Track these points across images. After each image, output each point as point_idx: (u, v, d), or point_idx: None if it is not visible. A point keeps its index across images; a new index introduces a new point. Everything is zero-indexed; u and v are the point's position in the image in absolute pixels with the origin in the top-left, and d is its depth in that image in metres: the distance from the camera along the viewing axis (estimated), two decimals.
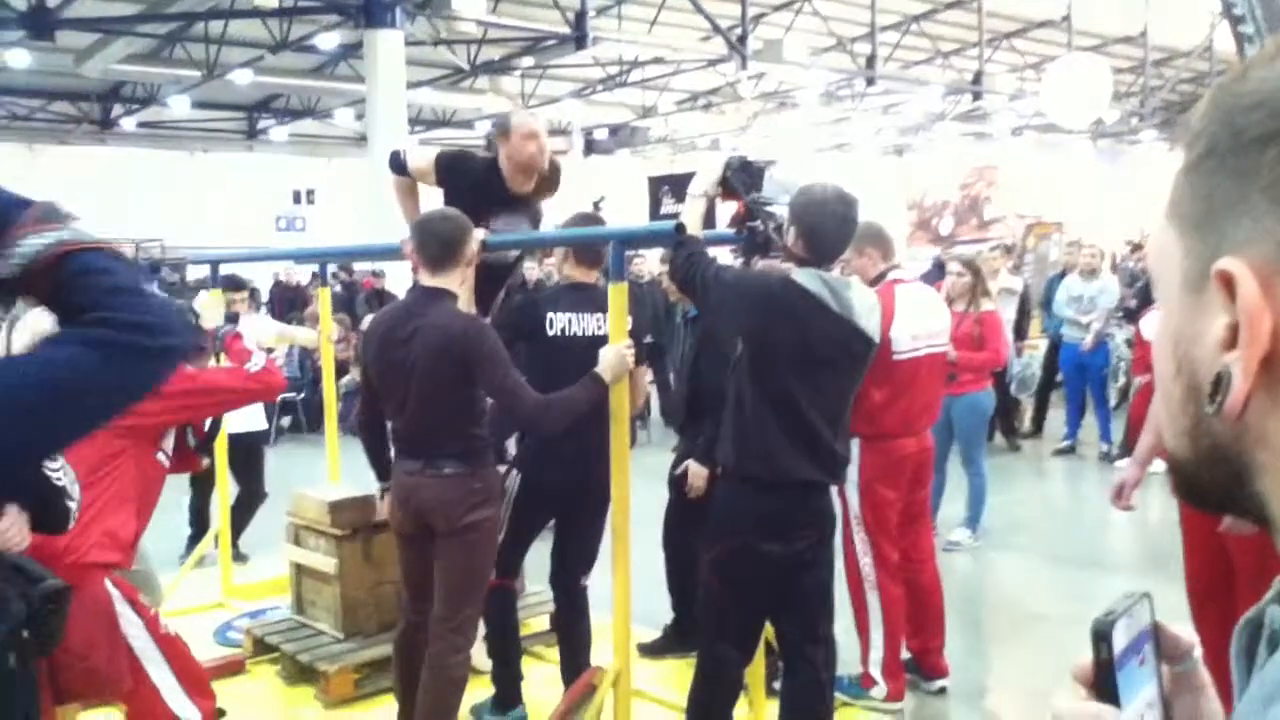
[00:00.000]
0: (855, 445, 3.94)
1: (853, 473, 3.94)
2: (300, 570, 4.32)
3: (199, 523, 6.08)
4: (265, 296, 18.13)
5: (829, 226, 2.95)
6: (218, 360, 3.49)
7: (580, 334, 3.72)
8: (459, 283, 3.36)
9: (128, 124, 21.73)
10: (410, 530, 3.41)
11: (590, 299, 3.77)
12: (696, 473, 4.12)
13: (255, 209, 24.25)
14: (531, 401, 3.21)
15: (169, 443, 3.13)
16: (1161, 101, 22.37)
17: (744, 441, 2.93)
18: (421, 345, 3.23)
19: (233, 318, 3.58)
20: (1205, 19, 20.93)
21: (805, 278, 2.91)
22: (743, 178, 3.15)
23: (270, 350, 6.67)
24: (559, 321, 3.71)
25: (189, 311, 3.41)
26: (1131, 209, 22.41)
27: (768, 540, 2.91)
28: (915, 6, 18.26)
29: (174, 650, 2.94)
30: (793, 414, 2.89)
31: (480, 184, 3.82)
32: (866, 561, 4.00)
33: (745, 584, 2.98)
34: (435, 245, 3.30)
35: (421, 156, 3.97)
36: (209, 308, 3.45)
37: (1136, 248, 13.79)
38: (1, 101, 19.75)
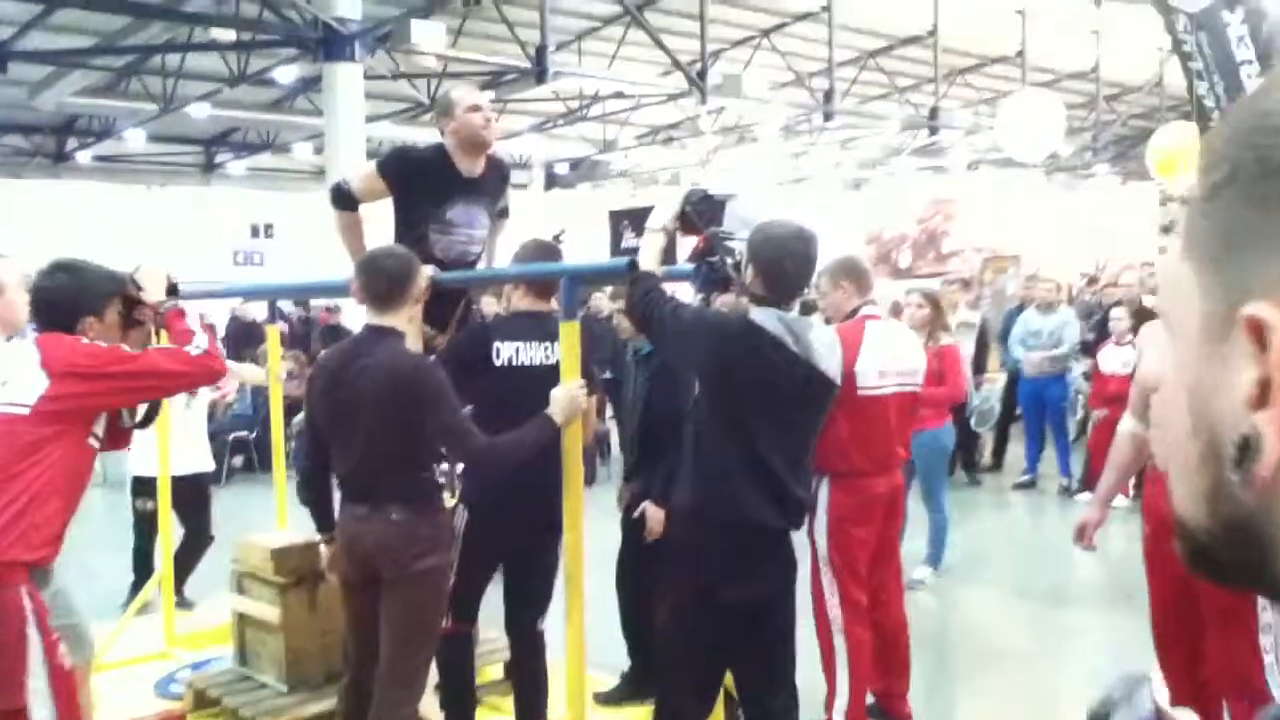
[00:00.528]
0: (824, 484, 3.89)
1: (820, 512, 3.88)
2: (243, 620, 4.17)
3: (143, 567, 5.90)
4: (222, 332, 17.93)
5: (788, 265, 2.88)
6: (157, 338, 3.32)
7: (528, 363, 3.62)
8: (406, 320, 3.26)
9: (83, 158, 21.48)
10: (356, 578, 3.28)
11: (539, 327, 3.67)
12: (654, 515, 4.01)
13: (213, 243, 23.95)
14: (478, 444, 3.12)
15: (100, 426, 3.00)
16: (1114, 136, 22.80)
17: (702, 482, 2.85)
18: (367, 385, 3.13)
19: (173, 290, 3.37)
20: (1155, 55, 21.39)
21: (763, 317, 2.83)
22: (703, 211, 3.09)
23: (220, 389, 6.54)
24: (505, 351, 3.60)
25: (129, 282, 3.19)
26: (1087, 242, 22.72)
27: (727, 584, 2.82)
28: (872, 42, 18.49)
29: (64, 685, 2.77)
30: (752, 455, 2.81)
31: (430, 173, 3.70)
32: (833, 603, 3.91)
33: (704, 630, 2.89)
34: (381, 283, 3.20)
35: (362, 174, 3.82)
36: (151, 280, 3.22)
37: (1092, 280, 13.90)
38: None
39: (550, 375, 3.46)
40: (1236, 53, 8.77)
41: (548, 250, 3.88)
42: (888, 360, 3.98)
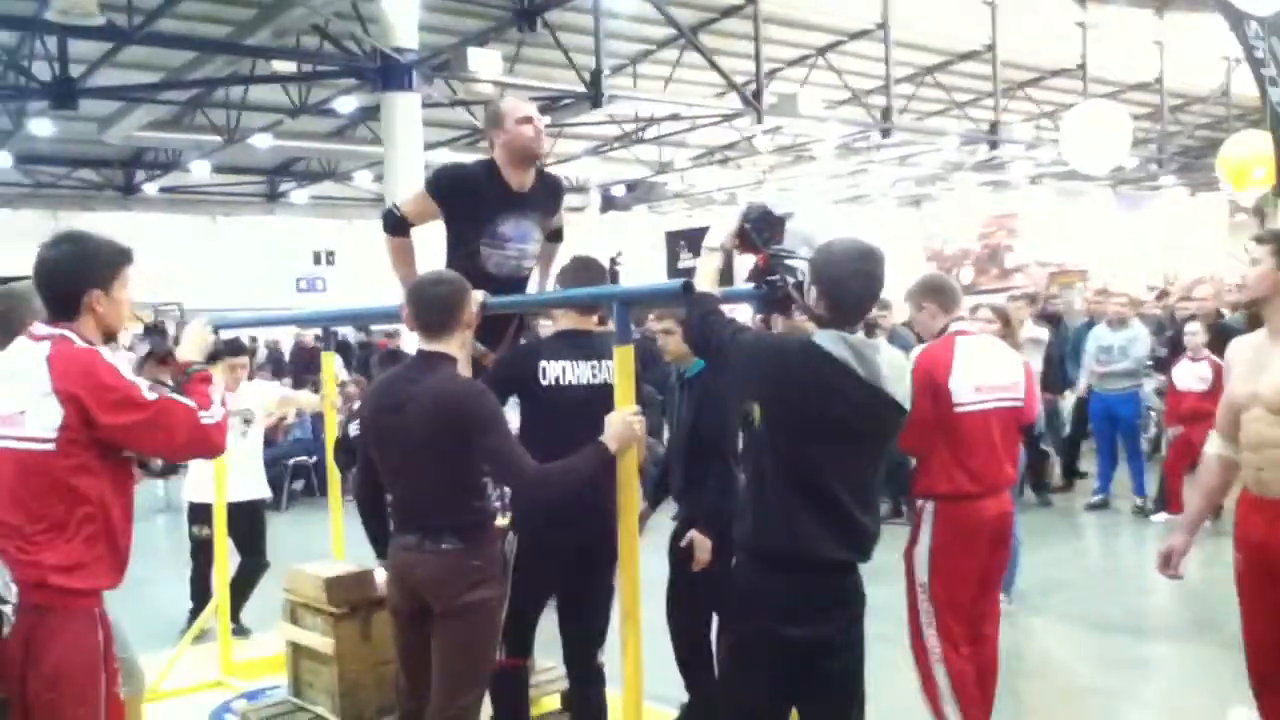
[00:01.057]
0: (927, 508, 3.76)
1: (922, 538, 3.75)
2: (297, 650, 4.13)
3: (200, 595, 5.91)
4: (286, 357, 18.15)
5: (853, 285, 2.73)
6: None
7: (575, 382, 3.54)
8: (459, 346, 3.21)
9: (150, 189, 21.98)
10: (407, 609, 3.22)
11: (586, 345, 3.61)
12: (701, 544, 3.88)
13: (276, 271, 24.40)
14: (531, 471, 3.04)
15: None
16: (1179, 147, 22.26)
17: (764, 517, 2.71)
18: (417, 412, 3.08)
19: (214, 356, 3.22)
20: (1220, 64, 20.89)
21: (828, 340, 2.69)
22: (762, 229, 2.98)
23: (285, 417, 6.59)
24: (552, 371, 3.53)
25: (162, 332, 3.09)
26: (1155, 255, 22.19)
27: (790, 624, 2.67)
28: (929, 58, 18.28)
29: (116, 716, 2.73)
30: (816, 487, 2.67)
31: (480, 188, 3.67)
32: (930, 634, 3.73)
33: (765, 672, 2.73)
34: (431, 310, 3.17)
35: (412, 196, 3.80)
36: (191, 339, 3.07)
37: (1162, 294, 13.53)
38: (26, 170, 19.97)
39: (597, 395, 3.41)
40: None
41: (592, 269, 3.77)
42: (984, 375, 3.80)
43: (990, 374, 3.82)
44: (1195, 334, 7.79)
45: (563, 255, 4.10)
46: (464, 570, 3.09)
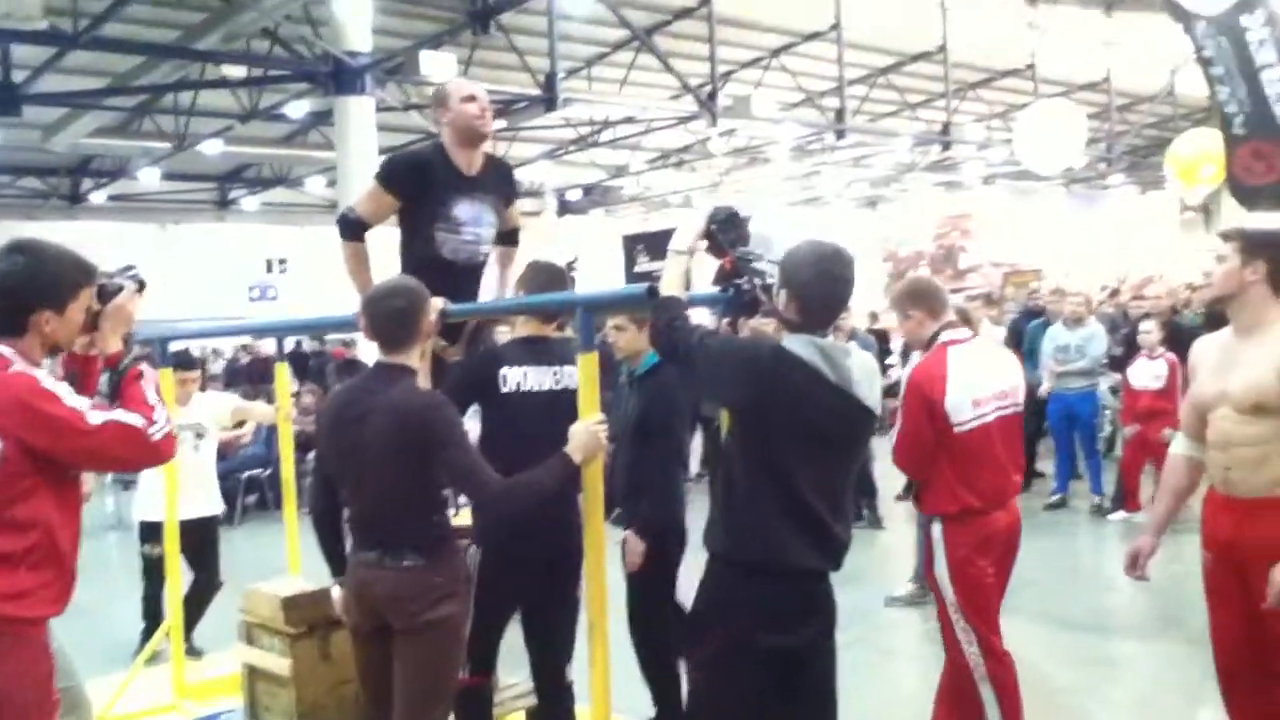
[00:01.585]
0: (936, 527, 3.70)
1: (939, 557, 3.69)
2: (254, 672, 4.01)
3: (153, 616, 5.75)
4: (220, 365, 17.83)
5: (825, 288, 2.69)
6: (113, 401, 2.72)
7: (536, 389, 3.49)
8: (417, 358, 3.14)
9: (97, 198, 21.57)
10: (367, 627, 3.14)
11: (545, 351, 3.55)
12: (633, 548, 3.82)
13: (227, 279, 24.05)
14: (494, 485, 2.96)
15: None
16: (1127, 146, 22.58)
17: (736, 524, 2.66)
18: (376, 425, 3.00)
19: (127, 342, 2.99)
20: (1166, 64, 21.25)
21: (798, 345, 2.65)
22: (728, 231, 2.93)
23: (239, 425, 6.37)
24: (513, 377, 3.46)
25: (101, 280, 2.81)
26: (1106, 254, 22.49)
27: (765, 632, 2.62)
28: (882, 59, 18.41)
29: None
30: (789, 493, 2.62)
31: (431, 171, 3.60)
32: (972, 651, 3.63)
33: (742, 682, 2.68)
34: (388, 324, 3.09)
35: (365, 194, 3.69)
36: (113, 321, 2.82)
37: (1114, 293, 13.69)
38: None
39: (558, 401, 3.38)
40: (1257, 57, 8.60)
41: (553, 274, 3.71)
42: (980, 386, 3.65)
43: (987, 384, 3.68)
44: (1150, 332, 7.87)
45: (519, 259, 4.05)
46: (426, 587, 3.01)
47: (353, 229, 3.66)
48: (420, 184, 3.61)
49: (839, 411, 2.65)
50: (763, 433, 2.64)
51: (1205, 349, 3.26)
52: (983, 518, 3.65)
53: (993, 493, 3.68)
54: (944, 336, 3.75)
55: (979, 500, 3.64)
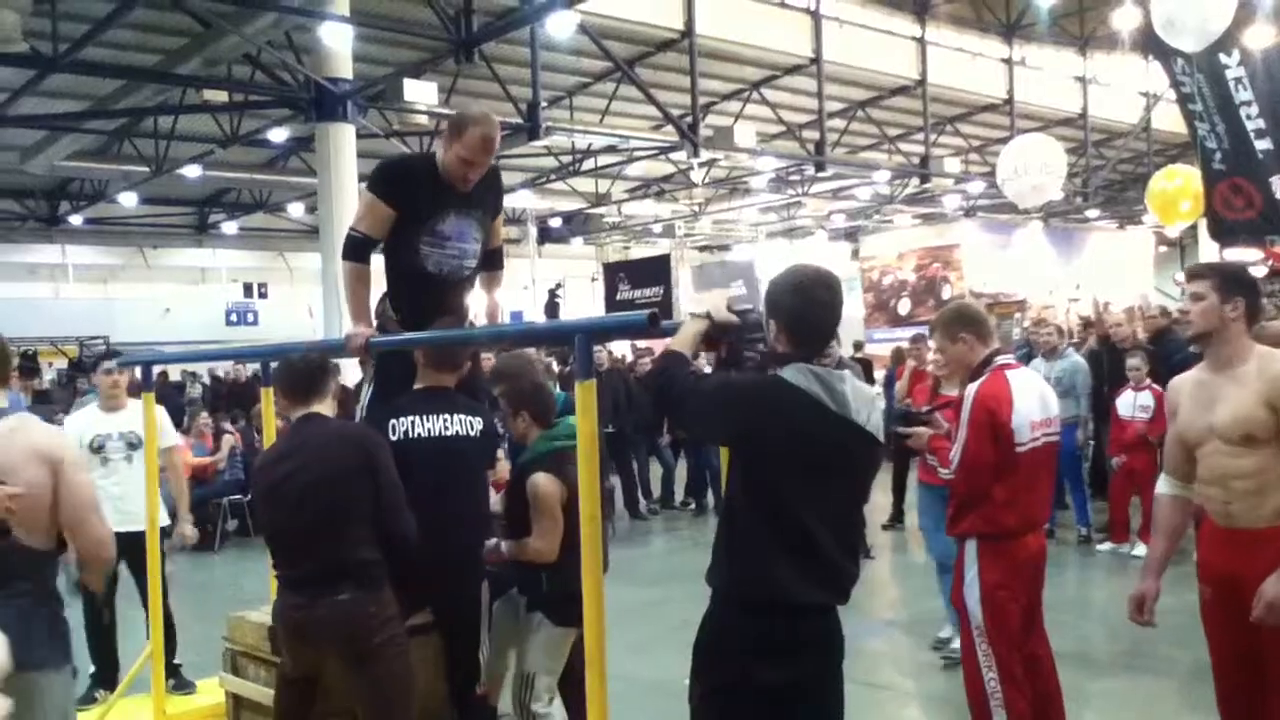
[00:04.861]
0: (970, 548, 3.71)
1: (971, 580, 3.70)
2: (239, 702, 3.94)
3: (103, 651, 5.41)
4: (197, 391, 17.66)
5: (815, 312, 2.64)
6: None
7: (425, 434, 3.54)
8: (329, 410, 3.44)
9: (75, 220, 21.42)
10: (296, 673, 3.27)
11: (440, 400, 3.62)
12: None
13: (206, 303, 23.91)
14: (412, 532, 3.24)
15: None
16: (1103, 181, 22.87)
17: (738, 560, 2.59)
18: (317, 448, 3.23)
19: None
20: (1139, 100, 21.57)
21: (794, 375, 2.59)
22: (745, 334, 2.89)
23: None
24: (401, 426, 3.53)
25: None
26: (1084, 286, 22.69)
27: (767, 669, 2.56)
28: (861, 93, 18.59)
29: None
30: (793, 527, 2.57)
31: (422, 184, 3.60)
32: (991, 677, 3.65)
33: (746, 718, 2.61)
34: (298, 380, 3.38)
35: (363, 211, 3.67)
36: None
37: (1089, 324, 13.78)
38: None
39: (447, 447, 3.53)
40: (1235, 94, 8.74)
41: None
42: (1035, 410, 3.72)
43: (1039, 410, 3.76)
44: (1138, 368, 7.91)
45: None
46: (364, 615, 3.13)
47: (358, 250, 3.63)
48: (410, 194, 3.60)
49: (840, 440, 2.60)
50: (764, 466, 2.59)
51: (1182, 387, 3.27)
52: (1017, 541, 3.69)
53: (1034, 515, 3.76)
54: (999, 360, 3.81)
55: (1019, 523, 3.68)
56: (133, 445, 5.43)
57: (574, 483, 3.71)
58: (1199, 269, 3.24)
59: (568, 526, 3.57)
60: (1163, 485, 3.36)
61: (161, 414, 5.48)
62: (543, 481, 3.66)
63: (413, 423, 3.51)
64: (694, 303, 3.52)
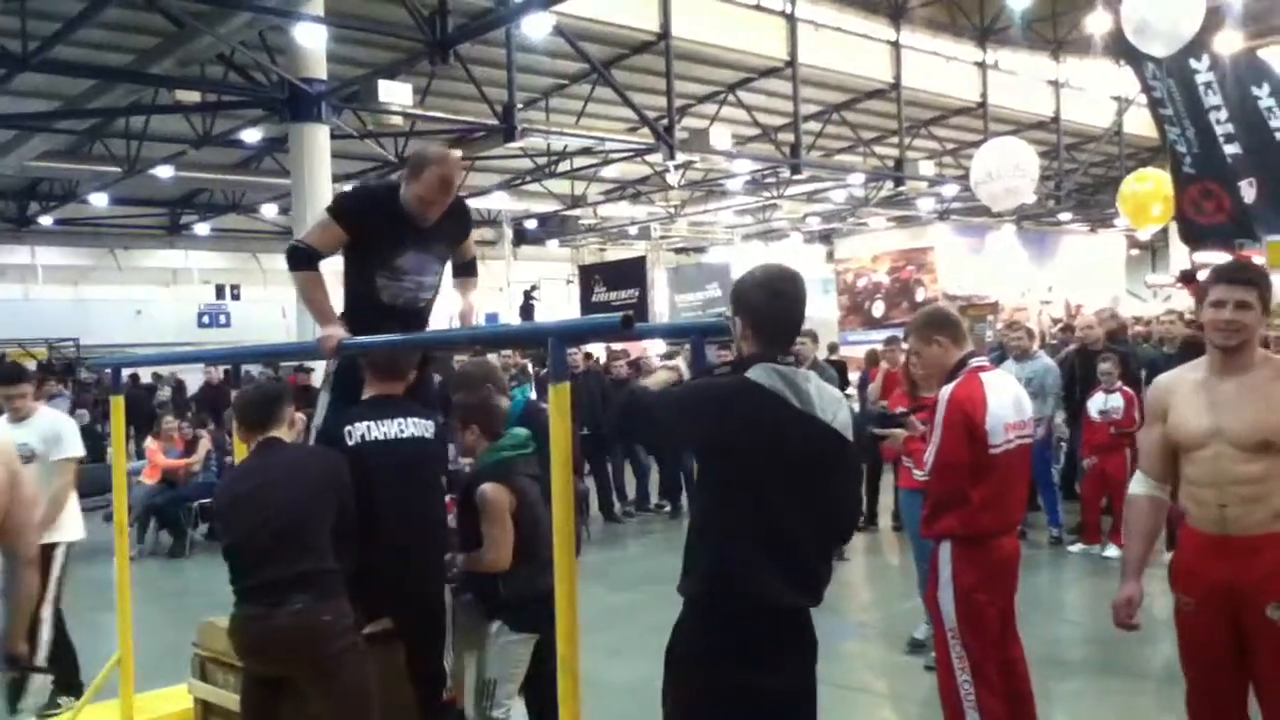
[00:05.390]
0: (944, 550, 3.71)
1: (945, 581, 3.69)
2: (208, 708, 3.90)
3: (57, 658, 5.17)
4: (166, 393, 17.53)
5: (778, 307, 2.66)
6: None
7: (382, 438, 3.55)
8: (290, 436, 3.55)
9: (45, 221, 21.20)
10: (260, 672, 3.31)
11: (392, 407, 3.64)
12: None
13: (177, 305, 23.72)
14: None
15: None
16: (1075, 184, 23.07)
17: (711, 564, 2.58)
18: (284, 464, 3.34)
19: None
20: (1111, 105, 21.79)
21: (759, 374, 2.60)
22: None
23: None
24: (357, 431, 3.54)
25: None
26: (1057, 289, 22.89)
27: (744, 674, 2.56)
28: (836, 96, 18.68)
29: None
30: (764, 527, 2.56)
31: (384, 219, 3.59)
32: (965, 679, 3.65)
33: None
34: (255, 412, 3.49)
35: (317, 226, 3.66)
36: None
37: (1067, 328, 13.89)
38: None
39: (406, 446, 3.55)
40: (1205, 99, 8.83)
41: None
42: (1009, 413, 3.73)
43: (1013, 412, 3.77)
44: (1109, 370, 7.97)
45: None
46: (321, 624, 3.16)
47: (303, 259, 3.60)
48: (370, 226, 3.59)
49: (807, 437, 2.60)
50: (733, 467, 2.58)
51: (1172, 388, 3.18)
52: (994, 541, 3.70)
53: (1009, 516, 3.78)
54: (973, 363, 3.83)
55: (996, 524, 3.69)
56: (26, 459, 4.91)
57: (522, 490, 3.78)
58: (1249, 276, 3.07)
59: (521, 533, 3.65)
60: (1139, 486, 3.29)
61: (64, 423, 5.38)
62: (490, 491, 3.70)
63: (369, 427, 3.52)
64: (673, 362, 3.55)
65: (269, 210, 21.24)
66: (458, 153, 3.76)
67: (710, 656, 2.59)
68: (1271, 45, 15.98)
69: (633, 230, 27.68)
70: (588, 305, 24.71)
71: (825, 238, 28.84)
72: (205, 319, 24.12)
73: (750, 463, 2.57)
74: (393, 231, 3.58)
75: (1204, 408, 3.04)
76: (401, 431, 3.57)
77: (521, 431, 3.90)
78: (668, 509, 10.94)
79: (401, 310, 3.66)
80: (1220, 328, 3.00)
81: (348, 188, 17.73)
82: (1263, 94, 8.80)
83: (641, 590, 7.34)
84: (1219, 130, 8.89)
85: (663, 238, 29.42)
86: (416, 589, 3.55)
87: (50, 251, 22.68)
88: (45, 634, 4.95)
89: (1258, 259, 8.67)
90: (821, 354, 10.82)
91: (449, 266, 3.93)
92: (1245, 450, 2.95)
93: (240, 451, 4.33)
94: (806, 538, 2.62)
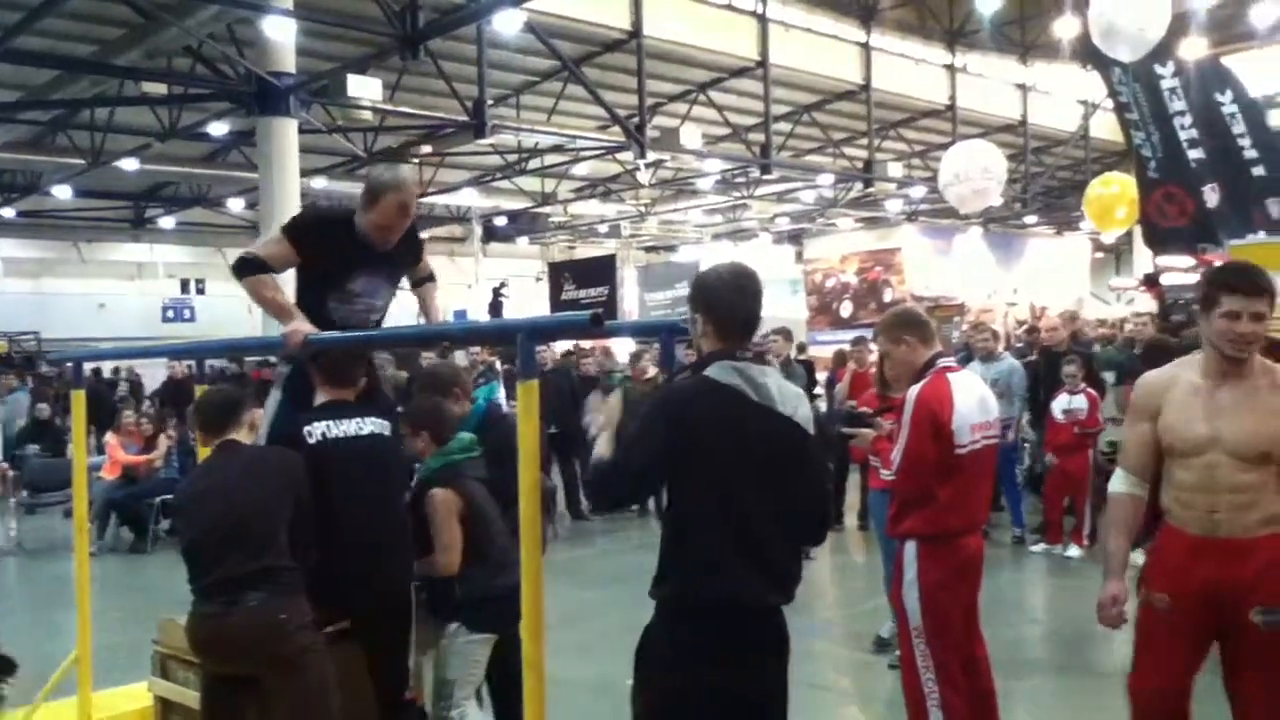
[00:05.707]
0: (910, 549, 3.72)
1: (910, 580, 3.70)
2: (167, 706, 3.85)
3: None
4: (147, 391, 17.35)
5: (735, 301, 2.68)
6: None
7: (342, 435, 3.56)
8: (248, 439, 3.53)
9: (7, 213, 20.86)
10: (218, 673, 3.28)
11: (346, 410, 3.64)
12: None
13: (142, 299, 23.45)
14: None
15: None
16: (1042, 187, 23.29)
17: (687, 569, 2.59)
18: (242, 466, 3.32)
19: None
20: (1077, 109, 22.02)
21: (718, 372, 2.62)
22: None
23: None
24: (317, 430, 3.54)
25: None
26: (1022, 291, 23.11)
27: (717, 674, 2.56)
28: (806, 97, 18.75)
29: None
30: (734, 527, 2.57)
31: (339, 244, 3.59)
32: (928, 677, 3.66)
33: None
34: (215, 415, 3.48)
35: (271, 240, 3.67)
36: None
37: (1032, 330, 14.02)
38: None
39: (366, 443, 3.56)
40: (1170, 104, 8.95)
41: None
42: (976, 413, 3.74)
43: (979, 412, 3.78)
44: (1074, 373, 8.05)
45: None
46: (277, 622, 3.14)
47: (255, 267, 3.58)
48: (323, 250, 3.59)
49: (768, 431, 2.62)
50: (699, 467, 2.58)
51: (1159, 390, 3.14)
52: (959, 540, 3.71)
53: (975, 516, 3.80)
54: (941, 363, 3.84)
55: (961, 524, 3.71)
56: None
57: (469, 493, 3.80)
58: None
59: (471, 535, 3.68)
60: (1122, 484, 3.25)
61: None
62: (439, 496, 3.73)
63: (328, 426, 3.53)
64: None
65: (235, 205, 21.03)
66: (413, 175, 3.72)
67: (684, 658, 2.59)
68: (1236, 52, 16.20)
69: (603, 228, 27.66)
70: (557, 303, 24.68)
71: (794, 238, 28.94)
72: (170, 313, 23.88)
73: (717, 461, 2.58)
74: (346, 258, 3.59)
75: (1201, 414, 3.00)
76: (360, 429, 3.58)
77: (467, 435, 3.94)
78: (635, 508, 10.93)
79: (353, 329, 3.66)
80: (1234, 339, 2.94)
81: (316, 182, 17.66)
82: (1226, 100, 8.94)
83: (609, 588, 7.34)
84: (1183, 135, 9.02)
85: (632, 236, 29.43)
86: (383, 586, 3.53)
87: (12, 244, 22.34)
88: None
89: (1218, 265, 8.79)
90: (791, 353, 10.84)
91: (404, 280, 3.95)
92: (1244, 460, 2.93)
93: (203, 451, 4.30)
94: (777, 535, 2.63)
